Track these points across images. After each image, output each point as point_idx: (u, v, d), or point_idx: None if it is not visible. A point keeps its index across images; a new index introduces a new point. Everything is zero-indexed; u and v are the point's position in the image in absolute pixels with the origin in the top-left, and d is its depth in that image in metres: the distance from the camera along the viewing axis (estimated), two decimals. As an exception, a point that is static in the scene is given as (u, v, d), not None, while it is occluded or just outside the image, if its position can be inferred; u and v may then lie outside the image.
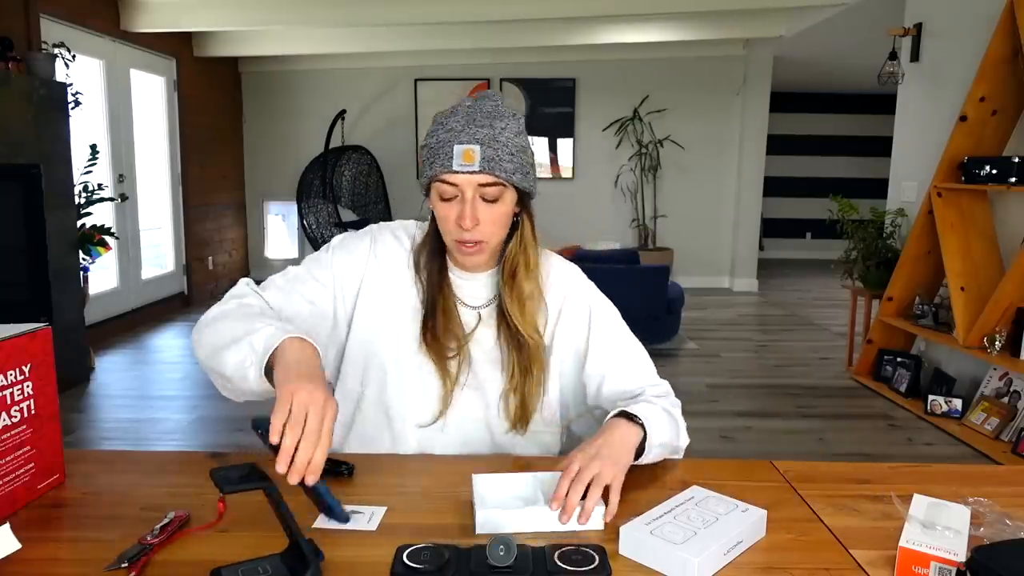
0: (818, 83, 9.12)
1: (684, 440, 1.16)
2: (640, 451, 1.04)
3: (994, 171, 3.30)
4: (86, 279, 4.40)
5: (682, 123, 7.30)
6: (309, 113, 7.42)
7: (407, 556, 0.82)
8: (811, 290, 7.69)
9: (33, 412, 0.98)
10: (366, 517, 0.94)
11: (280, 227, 7.75)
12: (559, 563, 0.81)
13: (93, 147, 4.38)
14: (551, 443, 1.26)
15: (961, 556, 0.78)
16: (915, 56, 4.20)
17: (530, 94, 7.37)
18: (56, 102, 3.86)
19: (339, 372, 1.24)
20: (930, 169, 3.81)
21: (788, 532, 0.92)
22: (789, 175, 9.92)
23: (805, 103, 9.81)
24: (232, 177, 7.37)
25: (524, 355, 1.18)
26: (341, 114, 7.00)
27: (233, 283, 1.19)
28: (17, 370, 0.95)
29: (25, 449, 0.97)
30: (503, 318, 1.19)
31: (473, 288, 1.21)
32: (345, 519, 0.92)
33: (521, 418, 1.19)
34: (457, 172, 1.07)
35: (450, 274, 1.21)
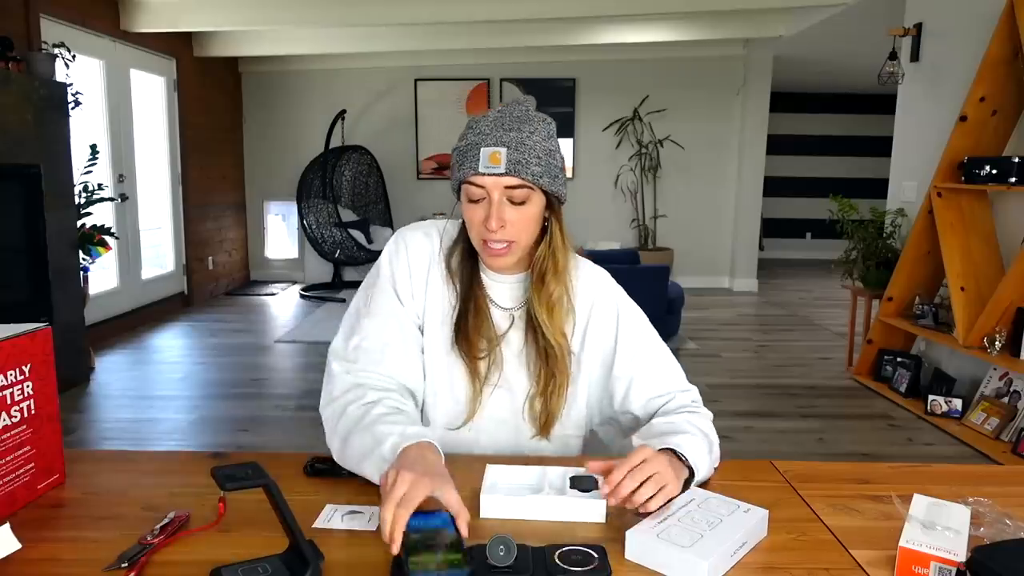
0: (818, 83, 9.12)
1: (716, 460, 1.11)
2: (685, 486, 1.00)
3: (994, 171, 3.30)
4: (86, 279, 4.40)
5: (682, 123, 7.30)
6: (309, 113, 7.42)
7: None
8: (811, 290, 7.69)
9: (33, 412, 0.98)
10: (366, 517, 0.94)
11: (280, 227, 7.75)
12: (559, 563, 0.81)
13: (93, 147, 4.38)
14: (575, 447, 1.26)
15: (961, 556, 0.78)
16: (915, 56, 4.20)
17: (530, 94, 7.35)
18: (56, 102, 3.86)
19: None
20: (930, 169, 3.81)
21: (788, 532, 0.93)
22: (789, 175, 9.92)
23: (805, 103, 9.81)
24: (232, 177, 7.37)
25: (550, 361, 1.18)
26: (341, 114, 7.00)
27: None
28: (17, 370, 0.95)
29: (25, 449, 0.97)
30: (532, 321, 1.19)
31: (504, 290, 1.22)
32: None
33: (546, 424, 1.20)
34: (483, 174, 1.08)
35: (482, 275, 1.21)
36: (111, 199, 5.00)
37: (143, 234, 5.84)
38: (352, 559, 0.85)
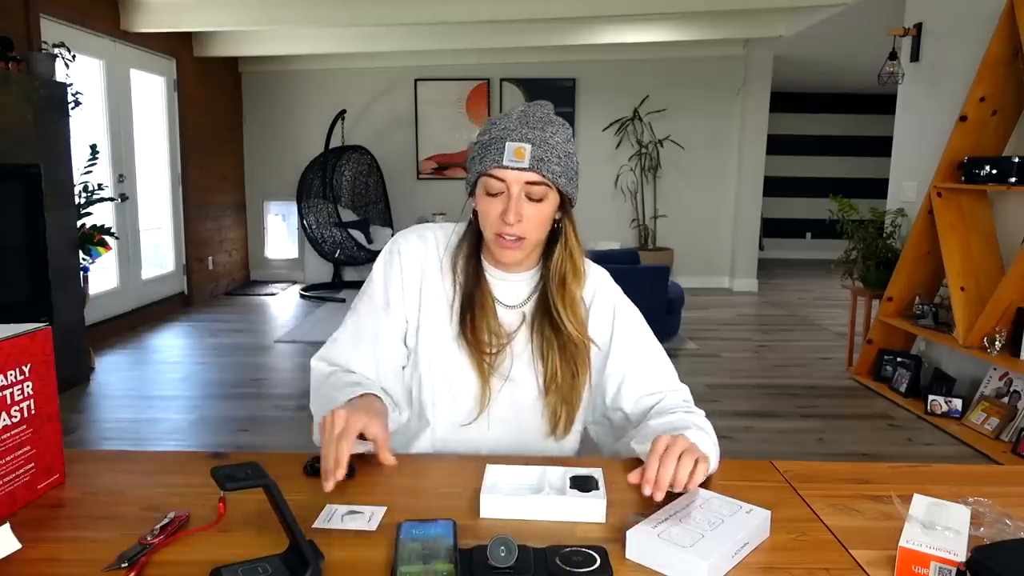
0: (818, 83, 9.12)
1: (718, 456, 1.11)
2: None
3: (994, 171, 3.30)
4: (86, 279, 4.40)
5: (682, 123, 7.30)
6: (309, 113, 7.42)
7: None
8: (811, 290, 7.69)
9: (33, 412, 0.98)
10: (366, 517, 0.94)
11: (280, 227, 7.75)
12: (560, 564, 0.81)
13: (93, 147, 4.38)
14: (573, 443, 1.27)
15: (961, 556, 0.78)
16: (915, 56, 4.20)
17: (530, 94, 7.37)
18: (56, 102, 3.86)
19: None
20: (930, 169, 3.81)
21: (788, 532, 0.92)
22: (789, 175, 9.92)
23: (805, 103, 9.81)
24: (232, 177, 7.37)
25: (569, 358, 1.19)
26: (341, 114, 7.00)
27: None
28: (17, 370, 0.95)
29: (25, 449, 0.97)
30: (543, 319, 1.20)
31: (509, 288, 1.23)
32: None
33: (566, 422, 1.21)
34: (507, 168, 1.10)
35: (486, 274, 1.22)
36: (111, 199, 5.00)
37: (143, 234, 5.84)
38: (352, 559, 0.85)
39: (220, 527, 0.90)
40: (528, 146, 1.09)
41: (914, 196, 4.15)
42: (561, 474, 1.01)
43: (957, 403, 3.56)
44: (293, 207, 7.26)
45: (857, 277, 4.42)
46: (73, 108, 4.14)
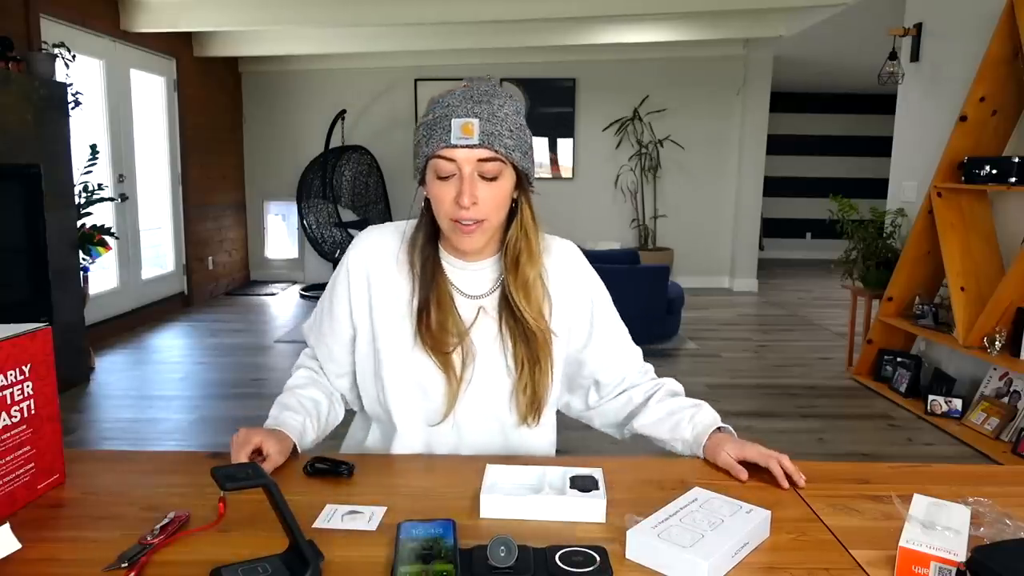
0: (818, 83, 9.12)
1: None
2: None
3: (994, 171, 3.30)
4: (86, 279, 4.40)
5: (682, 123, 7.30)
6: (309, 113, 7.42)
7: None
8: (811, 290, 7.69)
9: (33, 412, 0.98)
10: (366, 517, 0.94)
11: (280, 227, 7.75)
12: (560, 564, 0.81)
13: (93, 147, 4.38)
14: (549, 432, 1.26)
15: (961, 556, 0.78)
16: (915, 56, 4.20)
17: (530, 94, 7.37)
18: (56, 102, 3.86)
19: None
20: (930, 169, 3.81)
21: (788, 532, 0.92)
22: (789, 175, 9.92)
23: (805, 103, 9.81)
24: (232, 177, 7.37)
25: (532, 346, 1.15)
26: (341, 114, 7.00)
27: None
28: (17, 370, 0.95)
29: (25, 449, 0.97)
30: (507, 308, 1.15)
31: (471, 277, 1.18)
32: None
33: (534, 410, 1.18)
34: (456, 146, 1.04)
35: (444, 263, 1.17)
36: (111, 199, 5.00)
37: (143, 234, 5.84)
38: (352, 559, 0.85)
39: (220, 527, 0.90)
40: (476, 121, 1.03)
41: (914, 196, 4.15)
42: (561, 474, 1.01)
43: (957, 403, 3.56)
44: (293, 207, 7.27)
45: (857, 277, 4.42)
46: (73, 108, 4.14)
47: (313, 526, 0.92)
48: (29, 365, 0.97)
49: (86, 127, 4.87)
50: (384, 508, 0.96)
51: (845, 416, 3.74)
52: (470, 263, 1.18)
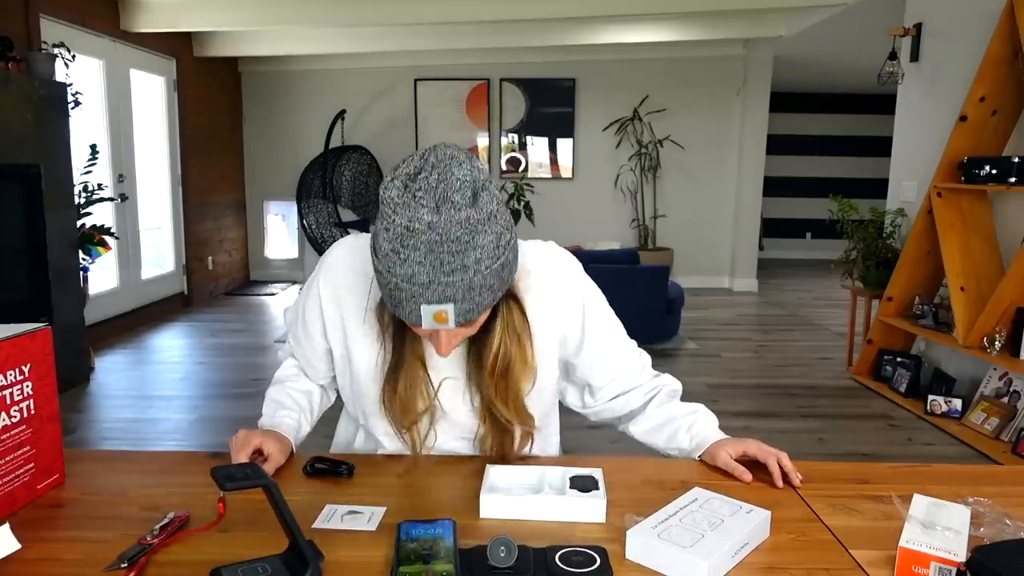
0: (818, 83, 9.12)
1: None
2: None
3: (994, 171, 3.30)
4: (86, 279, 4.40)
5: (682, 123, 7.30)
6: (309, 113, 7.42)
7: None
8: (811, 290, 7.69)
9: (33, 412, 0.98)
10: (366, 517, 0.94)
11: (280, 227, 7.75)
12: (560, 564, 0.81)
13: (93, 147, 4.38)
14: (552, 428, 1.26)
15: (961, 556, 0.78)
16: (915, 56, 4.20)
17: (530, 94, 7.37)
18: (56, 102, 3.86)
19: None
20: (930, 169, 3.81)
21: (788, 532, 0.92)
22: (789, 175, 9.92)
23: (805, 103, 9.81)
24: (232, 177, 7.37)
25: (503, 425, 1.11)
26: (341, 114, 7.00)
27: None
28: (17, 370, 0.95)
29: (25, 449, 0.97)
30: (480, 382, 1.09)
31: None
32: None
33: (503, 458, 1.13)
34: (429, 329, 0.94)
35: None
36: (111, 199, 5.00)
37: (143, 234, 5.84)
38: (352, 559, 0.85)
39: (220, 527, 0.90)
40: (450, 307, 0.88)
41: (914, 196, 4.15)
42: (561, 474, 1.01)
43: (957, 403, 3.56)
44: (293, 207, 7.26)
45: (857, 277, 4.42)
46: (73, 108, 4.14)
47: (313, 526, 0.92)
48: (29, 365, 0.97)
49: (86, 127, 4.87)
50: (384, 508, 0.96)
51: (845, 416, 3.74)
52: None
